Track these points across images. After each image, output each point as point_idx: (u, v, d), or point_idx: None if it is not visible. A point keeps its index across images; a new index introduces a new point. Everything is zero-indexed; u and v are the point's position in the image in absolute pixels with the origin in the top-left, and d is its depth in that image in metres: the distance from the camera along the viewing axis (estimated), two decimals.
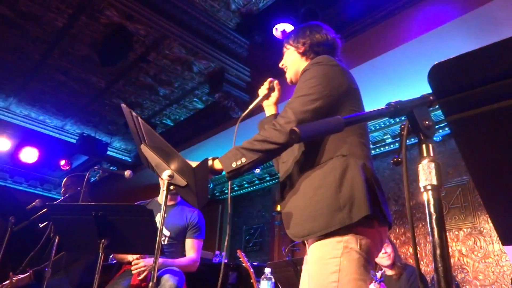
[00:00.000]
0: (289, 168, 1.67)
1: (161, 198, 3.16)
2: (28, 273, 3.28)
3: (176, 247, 3.03)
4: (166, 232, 3.00)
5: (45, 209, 3.02)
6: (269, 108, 1.97)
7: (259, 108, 2.00)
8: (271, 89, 1.95)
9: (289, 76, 1.92)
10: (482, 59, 0.69)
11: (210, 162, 1.62)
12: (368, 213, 1.40)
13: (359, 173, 1.48)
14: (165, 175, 1.73)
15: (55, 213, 2.36)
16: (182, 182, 1.75)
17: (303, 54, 1.87)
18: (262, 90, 1.95)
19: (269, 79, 1.97)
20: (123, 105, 1.88)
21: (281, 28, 4.45)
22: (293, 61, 1.89)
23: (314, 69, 1.63)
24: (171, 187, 1.76)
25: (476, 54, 0.69)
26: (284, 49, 1.96)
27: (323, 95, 1.55)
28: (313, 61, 1.69)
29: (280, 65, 1.98)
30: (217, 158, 1.63)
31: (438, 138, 5.12)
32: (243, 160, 1.53)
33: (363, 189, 1.44)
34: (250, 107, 1.94)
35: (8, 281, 3.20)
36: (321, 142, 1.58)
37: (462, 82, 0.72)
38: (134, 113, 1.81)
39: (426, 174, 0.81)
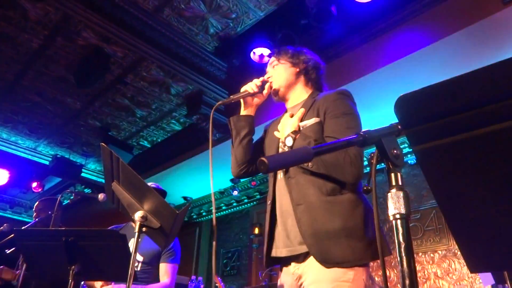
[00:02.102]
0: (303, 188, 1.64)
1: None
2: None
3: (149, 272, 2.95)
4: (139, 257, 2.92)
5: (13, 235, 2.92)
6: (249, 107, 1.92)
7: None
8: (261, 89, 1.89)
9: (279, 87, 1.92)
10: (446, 91, 0.71)
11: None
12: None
13: (372, 212, 1.58)
14: (137, 216, 1.69)
15: (23, 238, 2.28)
16: (155, 224, 1.71)
17: (299, 73, 1.94)
18: (251, 86, 1.88)
19: (262, 78, 1.92)
20: (102, 144, 1.83)
21: (258, 52, 4.52)
22: (287, 76, 1.93)
23: (351, 102, 1.74)
24: (144, 229, 1.71)
25: (440, 86, 0.71)
26: (274, 62, 1.99)
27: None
28: (345, 92, 1.77)
29: (266, 77, 1.96)
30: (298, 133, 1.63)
31: (412, 161, 5.22)
32: (310, 165, 1.59)
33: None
34: (232, 97, 1.85)
35: None
36: None
37: (427, 113, 0.73)
38: (115, 154, 1.76)
39: (395, 202, 0.82)
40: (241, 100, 1.91)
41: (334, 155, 1.53)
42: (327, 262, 1.52)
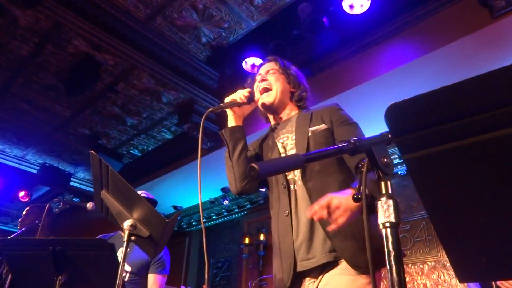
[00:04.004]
0: (323, 191, 1.56)
1: None
2: None
3: (138, 283, 2.90)
4: (127, 267, 2.88)
5: None
6: (237, 117, 1.86)
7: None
8: (250, 100, 1.86)
9: (274, 97, 1.89)
10: (436, 100, 0.72)
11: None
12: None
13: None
14: (126, 225, 1.67)
15: (9, 248, 2.23)
16: (144, 232, 1.69)
17: (291, 92, 1.95)
18: (239, 96, 1.83)
19: (249, 90, 1.89)
20: (91, 152, 1.81)
21: (250, 62, 4.54)
22: (284, 90, 1.92)
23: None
24: (132, 238, 1.69)
25: (430, 95, 0.71)
26: (272, 68, 1.97)
27: None
28: (339, 106, 1.86)
29: (260, 79, 1.94)
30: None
31: (402, 172, 5.25)
32: None
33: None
34: (222, 105, 1.81)
35: None
36: (346, 171, 1.68)
37: (417, 122, 0.74)
38: (104, 162, 1.75)
39: (385, 211, 0.82)
40: (228, 111, 1.85)
41: None
42: (359, 266, 1.49)
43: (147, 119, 5.99)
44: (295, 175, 1.73)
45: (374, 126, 4.51)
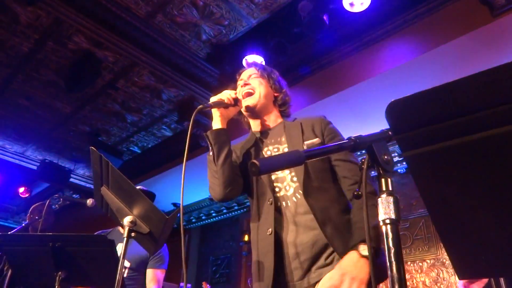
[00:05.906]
0: (325, 207, 1.59)
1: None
2: None
3: (136, 279, 2.91)
4: (126, 263, 2.87)
5: None
6: (223, 119, 1.77)
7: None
8: (236, 101, 1.79)
9: (258, 100, 1.83)
10: (436, 97, 0.72)
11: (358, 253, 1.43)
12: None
13: None
14: (126, 221, 1.67)
15: (9, 244, 2.24)
16: (144, 229, 1.69)
17: (274, 98, 1.91)
18: (227, 97, 1.75)
19: (236, 92, 1.84)
20: (92, 148, 1.81)
21: (251, 59, 4.53)
22: (268, 94, 1.87)
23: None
24: (132, 234, 1.69)
25: (431, 92, 0.71)
26: (254, 73, 1.93)
27: None
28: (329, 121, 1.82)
29: (242, 83, 1.88)
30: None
31: (402, 170, 5.25)
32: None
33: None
34: (211, 103, 1.72)
35: None
36: (339, 187, 1.67)
37: (418, 119, 0.74)
38: (104, 159, 1.74)
39: (385, 208, 0.82)
40: (214, 112, 1.77)
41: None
42: (346, 253, 1.48)
43: (147, 116, 5.99)
44: (287, 190, 1.66)
45: (374, 123, 4.52)
